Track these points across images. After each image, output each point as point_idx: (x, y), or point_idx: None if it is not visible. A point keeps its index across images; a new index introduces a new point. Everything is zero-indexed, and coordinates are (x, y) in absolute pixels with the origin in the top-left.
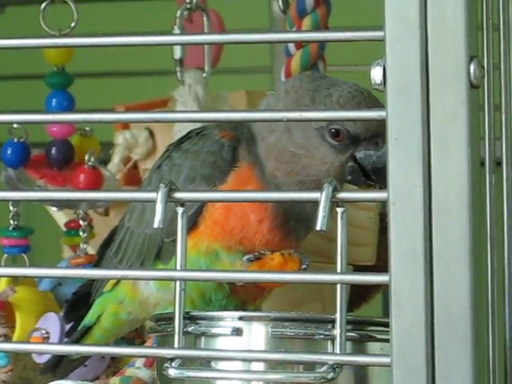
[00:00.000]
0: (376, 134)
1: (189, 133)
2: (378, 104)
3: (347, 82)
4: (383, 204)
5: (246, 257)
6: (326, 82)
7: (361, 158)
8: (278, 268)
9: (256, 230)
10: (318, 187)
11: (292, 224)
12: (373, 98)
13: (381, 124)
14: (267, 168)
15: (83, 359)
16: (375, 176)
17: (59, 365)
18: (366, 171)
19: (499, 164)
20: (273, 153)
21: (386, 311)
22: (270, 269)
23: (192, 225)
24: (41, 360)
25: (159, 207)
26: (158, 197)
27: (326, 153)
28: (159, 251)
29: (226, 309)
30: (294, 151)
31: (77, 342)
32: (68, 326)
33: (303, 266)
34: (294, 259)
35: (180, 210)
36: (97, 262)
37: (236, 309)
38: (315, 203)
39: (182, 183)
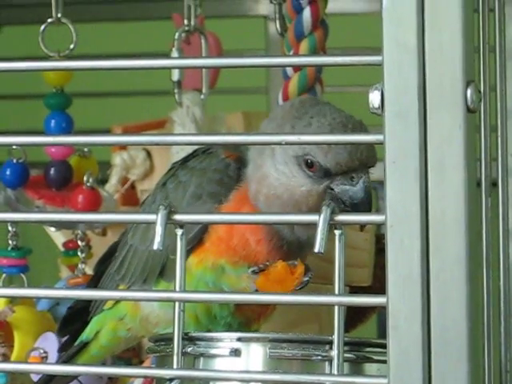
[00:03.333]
0: (350, 169)
1: (195, 151)
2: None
3: (339, 111)
4: (379, 225)
5: (251, 269)
6: (314, 111)
7: (337, 192)
8: (283, 274)
9: (256, 249)
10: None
11: (286, 247)
12: (360, 130)
13: (353, 159)
14: (252, 190)
15: (74, 376)
16: (353, 210)
17: (50, 382)
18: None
19: (495, 184)
20: (257, 175)
21: (381, 332)
22: (276, 276)
23: (197, 241)
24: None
25: (159, 229)
26: (158, 219)
27: (302, 181)
28: (163, 269)
29: (230, 326)
30: (276, 176)
31: (72, 357)
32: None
33: (305, 278)
34: (300, 266)
35: (179, 231)
36: (93, 278)
37: (240, 327)
38: (306, 228)
39: (188, 200)
